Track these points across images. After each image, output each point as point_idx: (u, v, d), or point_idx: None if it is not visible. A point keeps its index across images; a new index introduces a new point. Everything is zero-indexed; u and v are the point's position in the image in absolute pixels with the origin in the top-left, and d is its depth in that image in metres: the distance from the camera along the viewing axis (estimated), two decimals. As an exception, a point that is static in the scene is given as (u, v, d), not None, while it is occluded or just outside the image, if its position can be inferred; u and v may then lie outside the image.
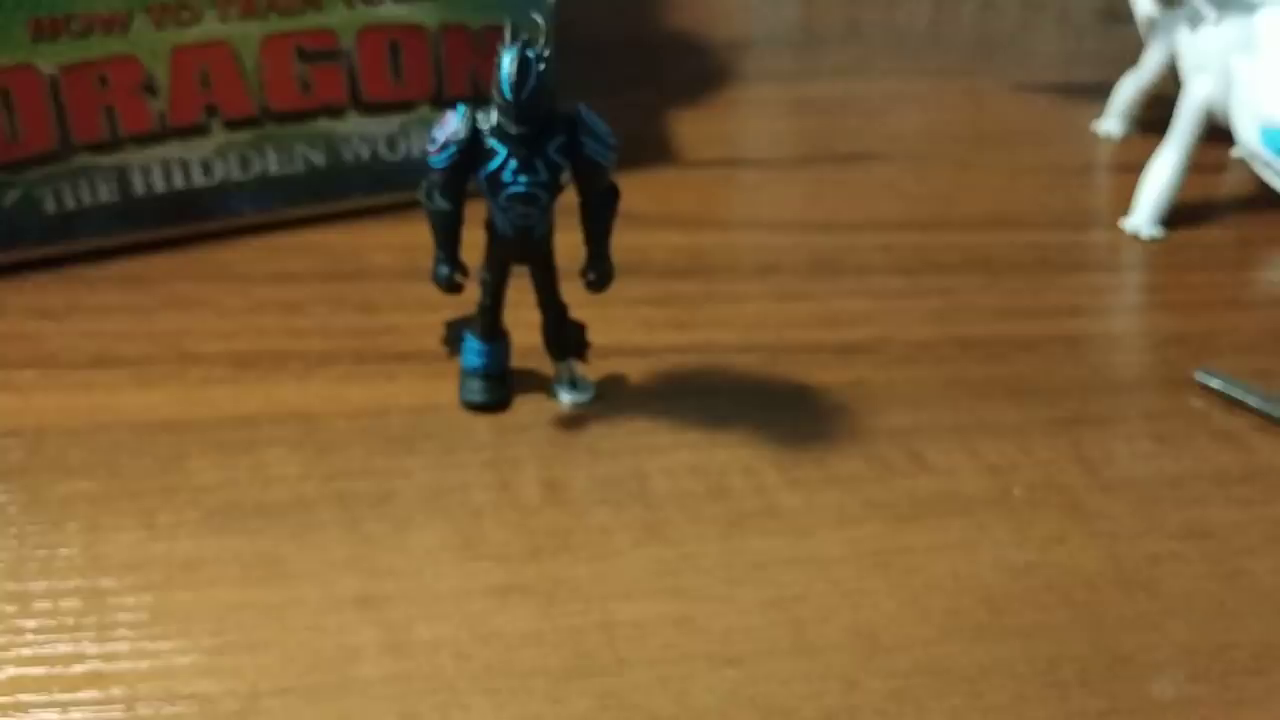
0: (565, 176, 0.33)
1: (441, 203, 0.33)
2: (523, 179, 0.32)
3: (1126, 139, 0.55)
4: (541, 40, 0.30)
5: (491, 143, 0.32)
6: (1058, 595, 0.31)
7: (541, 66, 0.30)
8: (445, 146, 0.32)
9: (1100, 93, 0.56)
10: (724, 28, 0.65)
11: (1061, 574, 0.32)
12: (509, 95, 0.30)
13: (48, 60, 0.39)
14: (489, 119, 0.32)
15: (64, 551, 0.32)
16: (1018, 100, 0.59)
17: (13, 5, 0.38)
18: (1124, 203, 0.49)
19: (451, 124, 0.32)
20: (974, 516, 0.34)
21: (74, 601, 0.30)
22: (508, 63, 0.30)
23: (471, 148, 0.32)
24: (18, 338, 0.40)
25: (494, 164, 0.32)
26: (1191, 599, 0.31)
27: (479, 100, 0.31)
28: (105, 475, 0.34)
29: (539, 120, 0.31)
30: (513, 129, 0.31)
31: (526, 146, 0.32)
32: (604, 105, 0.58)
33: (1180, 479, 0.36)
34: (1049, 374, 0.40)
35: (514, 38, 0.30)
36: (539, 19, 0.30)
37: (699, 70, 0.60)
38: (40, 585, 0.31)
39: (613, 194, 0.34)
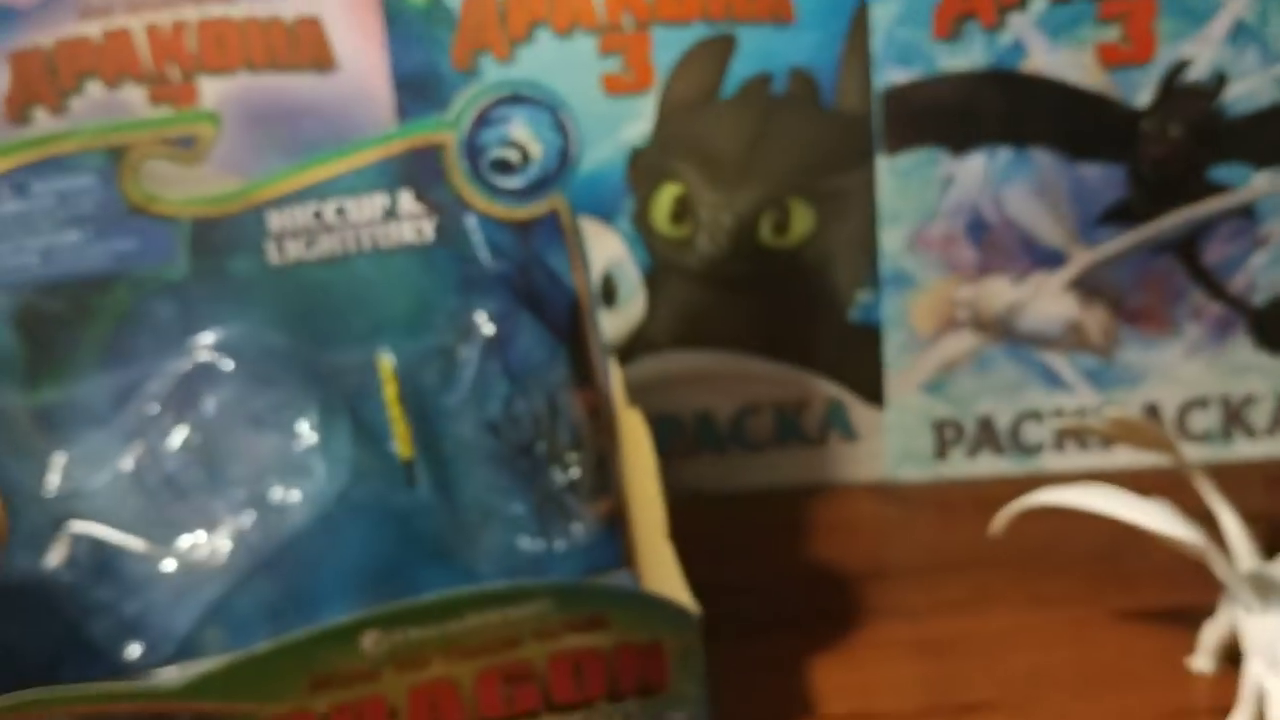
0: None
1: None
2: None
3: (1222, 674, 0.61)
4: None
5: None
6: None
7: None
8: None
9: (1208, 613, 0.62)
10: (857, 556, 0.75)
11: None
12: None
13: (319, 703, 0.53)
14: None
15: None
16: (1122, 631, 0.66)
17: (300, 668, 0.52)
18: (1210, 757, 0.55)
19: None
20: None
21: None
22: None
23: None
24: None
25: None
26: None
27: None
28: None
29: None
30: None
31: None
32: (741, 659, 0.67)
33: None
34: None
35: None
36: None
37: (831, 610, 0.69)
38: None
39: None
